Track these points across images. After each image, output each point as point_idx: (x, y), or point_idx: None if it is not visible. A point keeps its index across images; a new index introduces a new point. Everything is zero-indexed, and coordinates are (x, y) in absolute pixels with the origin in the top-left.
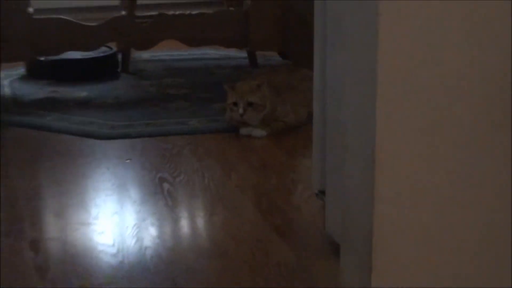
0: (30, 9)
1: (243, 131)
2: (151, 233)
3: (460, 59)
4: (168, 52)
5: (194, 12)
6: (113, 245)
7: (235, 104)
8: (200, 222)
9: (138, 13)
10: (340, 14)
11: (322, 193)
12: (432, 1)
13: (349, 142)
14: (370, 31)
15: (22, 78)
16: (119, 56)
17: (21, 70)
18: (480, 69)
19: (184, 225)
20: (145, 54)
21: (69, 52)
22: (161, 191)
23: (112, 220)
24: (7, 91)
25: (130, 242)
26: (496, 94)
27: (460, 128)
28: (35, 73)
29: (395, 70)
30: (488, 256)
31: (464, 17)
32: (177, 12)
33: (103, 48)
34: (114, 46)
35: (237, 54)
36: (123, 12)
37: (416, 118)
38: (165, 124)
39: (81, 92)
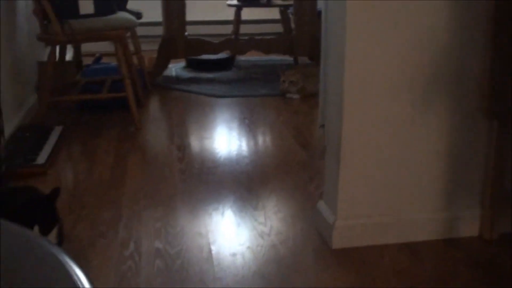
0: (186, 33)
1: (288, 95)
2: (240, 143)
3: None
4: (253, 57)
5: (266, 37)
6: (220, 146)
7: (284, 81)
8: (262, 139)
9: (240, 37)
10: (327, 27)
11: (322, 126)
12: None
13: (331, 96)
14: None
15: (182, 68)
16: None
17: (182, 64)
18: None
19: (255, 140)
20: (242, 57)
21: (205, 55)
22: (244, 123)
23: (220, 134)
24: (173, 73)
25: (230, 145)
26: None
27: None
28: (189, 65)
29: (356, 62)
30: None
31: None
32: (259, 37)
33: (223, 54)
34: (227, 53)
35: (288, 58)
36: (232, 36)
37: (373, 76)
38: (249, 91)
39: (210, 75)
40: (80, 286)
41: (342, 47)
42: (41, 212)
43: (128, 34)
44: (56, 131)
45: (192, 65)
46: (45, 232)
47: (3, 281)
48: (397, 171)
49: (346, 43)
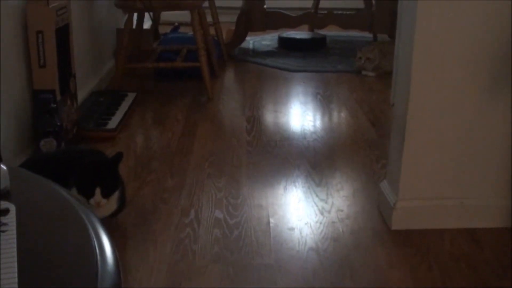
0: (265, 6)
1: (363, 72)
2: (310, 118)
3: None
4: (332, 32)
5: (346, 12)
6: (289, 120)
7: (360, 57)
8: (333, 115)
9: (319, 11)
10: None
11: (393, 105)
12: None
13: (400, 75)
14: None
15: (259, 41)
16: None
17: (260, 37)
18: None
19: (326, 115)
20: (321, 32)
21: (299, 35)
22: (316, 99)
23: (291, 108)
24: (250, 45)
25: (300, 120)
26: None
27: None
28: (282, 45)
29: (426, 43)
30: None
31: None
32: (338, 12)
33: (317, 33)
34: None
35: (367, 35)
36: (312, 11)
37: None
38: (325, 66)
39: (296, 52)
40: (95, 243)
41: (413, 26)
42: (102, 175)
43: (207, 4)
44: (130, 97)
45: (285, 45)
46: (106, 194)
47: (22, 229)
48: (462, 154)
49: (416, 21)
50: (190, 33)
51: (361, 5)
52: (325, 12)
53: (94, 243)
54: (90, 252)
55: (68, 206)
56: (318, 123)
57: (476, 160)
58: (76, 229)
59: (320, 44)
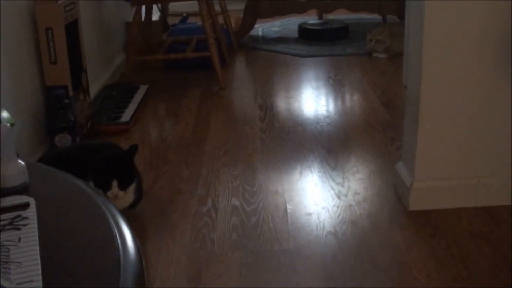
0: None
1: (374, 54)
2: (322, 102)
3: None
4: (341, 15)
5: None
6: (302, 105)
7: (371, 40)
8: (346, 99)
9: None
10: None
11: (405, 86)
12: None
13: (411, 55)
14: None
15: (269, 28)
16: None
17: (268, 24)
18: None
19: (339, 99)
20: (330, 16)
21: (320, 26)
22: (328, 83)
23: (304, 94)
24: (259, 33)
25: (313, 105)
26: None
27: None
28: (302, 36)
29: (435, 23)
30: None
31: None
32: None
33: (339, 22)
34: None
35: (376, 17)
36: None
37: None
38: (335, 50)
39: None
40: (115, 232)
41: (422, 6)
42: (119, 168)
43: None
44: (142, 90)
45: (306, 35)
46: (123, 187)
47: (43, 222)
48: (476, 134)
49: (425, 1)
50: (199, 23)
51: None
52: None
53: (115, 233)
54: (111, 241)
55: (87, 197)
56: (331, 107)
57: (490, 139)
58: (96, 219)
59: (343, 33)
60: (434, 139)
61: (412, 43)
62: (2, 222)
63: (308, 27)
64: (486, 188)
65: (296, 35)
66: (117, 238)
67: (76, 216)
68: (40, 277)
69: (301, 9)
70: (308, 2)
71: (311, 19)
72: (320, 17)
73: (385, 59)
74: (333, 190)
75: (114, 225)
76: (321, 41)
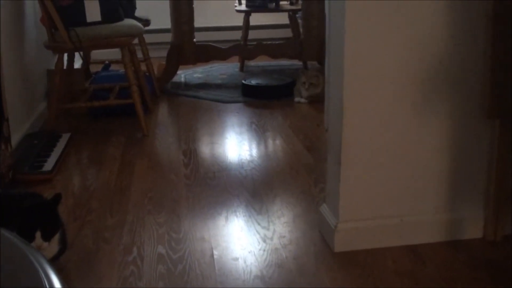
0: (194, 40)
1: (296, 99)
2: (246, 147)
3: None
4: (262, 62)
5: (275, 42)
6: (226, 150)
7: (304, 83)
8: (269, 143)
9: (248, 43)
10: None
11: (327, 129)
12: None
13: (332, 98)
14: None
15: (191, 74)
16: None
17: (191, 71)
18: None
19: (262, 144)
20: (251, 63)
21: (266, 81)
22: (251, 128)
23: (227, 139)
24: (182, 79)
25: (236, 149)
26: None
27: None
28: (245, 93)
29: (355, 66)
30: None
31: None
32: (267, 42)
33: (286, 78)
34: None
35: (296, 63)
36: (241, 42)
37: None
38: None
39: (219, 81)
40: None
41: (341, 49)
42: (42, 218)
43: (137, 41)
44: (64, 138)
45: (249, 92)
46: (47, 237)
47: None
48: (399, 173)
49: (345, 44)
50: (122, 70)
51: (289, 34)
52: (255, 43)
53: (46, 285)
54: None
55: (16, 248)
56: (255, 152)
57: (413, 177)
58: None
59: (291, 87)
60: (356, 180)
61: (332, 86)
62: None
63: (252, 84)
64: (409, 226)
65: (218, 81)
66: None
67: (6, 268)
68: None
69: (223, 56)
70: (230, 48)
71: (235, 66)
72: (242, 64)
73: (306, 103)
74: (259, 234)
75: (44, 278)
76: (266, 98)
